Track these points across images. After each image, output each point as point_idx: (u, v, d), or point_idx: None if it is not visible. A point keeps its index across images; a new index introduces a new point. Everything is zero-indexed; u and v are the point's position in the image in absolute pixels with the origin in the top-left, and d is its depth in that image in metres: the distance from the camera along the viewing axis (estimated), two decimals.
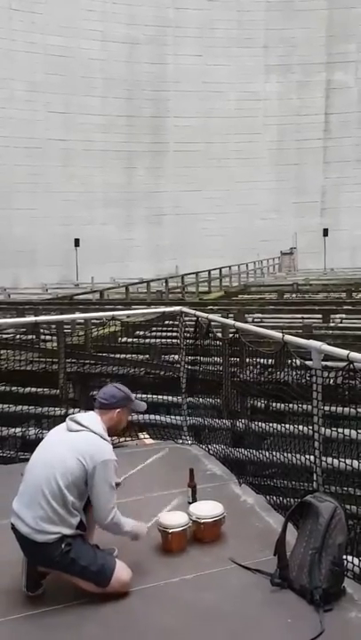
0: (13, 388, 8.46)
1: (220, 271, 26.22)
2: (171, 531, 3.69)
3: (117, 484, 3.51)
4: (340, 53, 35.96)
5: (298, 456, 4.26)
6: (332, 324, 11.82)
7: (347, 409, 3.98)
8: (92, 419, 3.38)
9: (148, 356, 9.19)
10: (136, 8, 34.35)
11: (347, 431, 3.80)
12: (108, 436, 3.37)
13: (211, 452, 5.41)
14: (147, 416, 6.20)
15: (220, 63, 35.49)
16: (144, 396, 7.41)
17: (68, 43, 33.00)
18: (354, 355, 3.38)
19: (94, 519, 3.31)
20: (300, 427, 4.22)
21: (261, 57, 36.35)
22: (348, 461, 3.77)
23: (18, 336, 10.67)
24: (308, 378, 3.85)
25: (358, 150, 36.36)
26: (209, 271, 24.77)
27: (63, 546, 3.13)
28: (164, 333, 9.12)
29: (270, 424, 4.95)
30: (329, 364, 4.19)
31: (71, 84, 33.30)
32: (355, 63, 36.24)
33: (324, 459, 3.79)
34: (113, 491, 3.25)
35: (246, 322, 9.89)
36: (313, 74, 36.17)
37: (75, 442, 3.25)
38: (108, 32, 34.22)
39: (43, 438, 3.53)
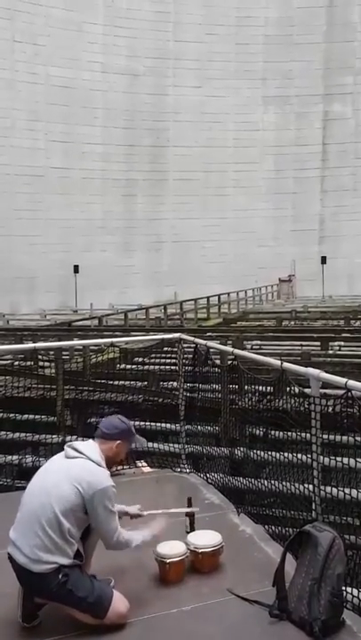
0: (11, 415, 8.43)
1: (219, 298, 26.33)
2: (168, 561, 3.65)
3: (126, 513, 3.52)
4: (337, 85, 36.65)
5: (297, 485, 4.23)
6: (330, 352, 11.83)
7: (345, 437, 3.97)
8: (90, 447, 3.36)
9: (146, 382, 9.18)
10: (136, 40, 35.07)
11: (346, 460, 3.78)
12: (107, 466, 3.35)
13: (209, 480, 5.37)
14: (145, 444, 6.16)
15: (218, 94, 36.12)
16: (142, 423, 7.38)
17: (69, 74, 33.61)
18: (352, 383, 3.38)
19: (97, 543, 3.29)
20: (299, 455, 4.20)
21: (260, 88, 37.01)
22: (347, 490, 3.75)
23: (16, 362, 10.66)
24: (306, 406, 3.84)
25: (355, 180, 36.83)
26: (208, 298, 24.87)
27: (60, 577, 3.09)
28: (162, 360, 9.13)
29: (269, 452, 4.93)
30: (328, 391, 4.19)
31: (72, 113, 33.82)
32: (351, 95, 36.91)
33: (322, 488, 3.77)
34: (113, 515, 3.23)
35: (245, 349, 9.90)
36: (310, 105, 36.79)
37: (71, 469, 3.23)
38: (109, 63, 34.89)
39: (39, 466, 3.51)
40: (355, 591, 3.38)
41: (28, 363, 10.43)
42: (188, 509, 4.08)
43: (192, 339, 6.01)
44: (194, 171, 35.87)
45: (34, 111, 32.94)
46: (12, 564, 3.19)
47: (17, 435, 7.57)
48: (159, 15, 35.42)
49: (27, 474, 6.72)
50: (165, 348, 8.79)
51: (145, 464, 6.16)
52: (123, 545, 3.30)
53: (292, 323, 19.09)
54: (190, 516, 4.13)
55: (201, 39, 35.85)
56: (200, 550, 3.77)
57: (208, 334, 11.79)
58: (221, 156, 36.20)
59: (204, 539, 3.85)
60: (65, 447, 3.40)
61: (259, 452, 5.27)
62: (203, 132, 36.21)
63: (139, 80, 35.64)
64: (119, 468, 5.71)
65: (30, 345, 9.49)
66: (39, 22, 32.60)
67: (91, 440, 3.47)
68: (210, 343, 5.90)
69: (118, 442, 3.43)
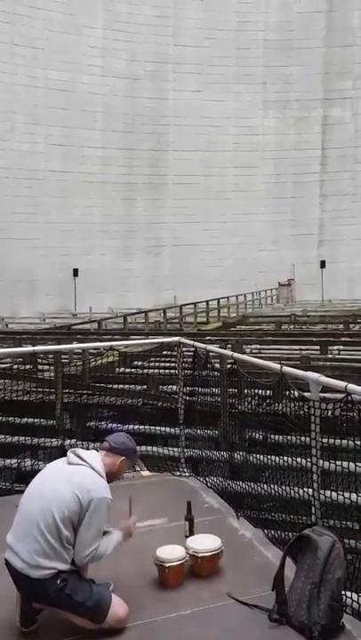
0: (9, 419, 8.41)
1: (219, 302, 26.33)
2: (168, 565, 3.65)
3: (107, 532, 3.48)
4: (336, 90, 36.73)
5: (296, 489, 4.23)
6: (329, 356, 11.83)
7: (345, 441, 3.96)
8: (93, 456, 3.35)
9: (145, 386, 9.17)
10: (136, 44, 35.15)
11: (345, 464, 3.78)
12: (106, 480, 3.33)
13: (208, 484, 5.36)
14: (144, 447, 6.17)
15: (218, 99, 36.19)
16: (141, 427, 7.38)
17: (68, 77, 33.65)
18: (352, 386, 3.38)
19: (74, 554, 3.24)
20: (299, 459, 4.20)
21: (260, 93, 37.08)
22: (346, 494, 3.74)
23: (15, 366, 10.65)
24: (306, 409, 3.84)
25: (355, 184, 36.87)
26: (207, 302, 24.86)
27: (59, 582, 3.08)
28: (161, 364, 9.13)
29: (268, 456, 4.92)
30: (327, 395, 4.19)
31: (72, 117, 33.86)
32: (351, 100, 37.00)
33: (322, 492, 3.77)
34: (100, 532, 3.19)
35: (244, 353, 9.89)
36: (310, 110, 36.87)
37: (73, 475, 3.21)
38: (109, 67, 34.96)
39: (38, 470, 3.50)
40: (354, 595, 3.37)
41: (28, 366, 10.42)
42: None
43: (191, 342, 6.01)
44: (194, 175, 35.92)
45: (33, 114, 32.98)
46: (9, 570, 3.17)
47: (16, 438, 7.54)
48: (159, 19, 35.51)
49: (25, 477, 6.70)
50: (165, 352, 8.80)
51: (144, 468, 6.15)
52: (96, 560, 3.23)
53: (292, 327, 19.07)
54: (189, 519, 4.12)
55: (201, 43, 35.93)
56: (199, 554, 3.77)
57: (207, 338, 11.78)
58: (221, 160, 36.25)
59: (204, 543, 3.84)
60: (68, 453, 3.39)
61: (258, 455, 5.27)
62: (202, 136, 36.27)
63: (138, 84, 35.71)
64: None
65: (29, 348, 9.47)
66: (38, 26, 32.66)
67: (94, 450, 3.46)
68: (209, 347, 5.89)
69: (123, 458, 3.43)
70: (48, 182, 33.25)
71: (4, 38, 31.83)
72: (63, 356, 10.06)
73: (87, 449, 3.61)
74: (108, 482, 3.36)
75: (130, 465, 3.58)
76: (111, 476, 3.41)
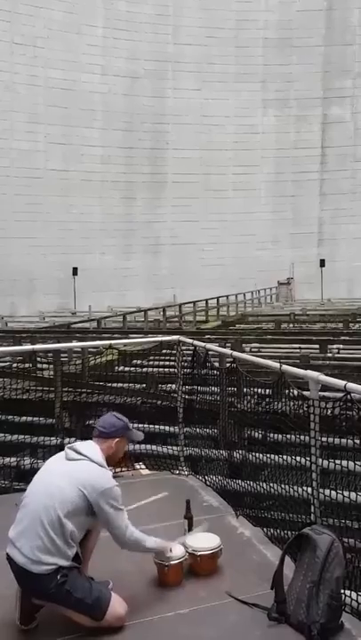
0: (9, 417, 8.41)
1: (218, 300, 26.32)
2: (167, 563, 3.65)
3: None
4: (336, 89, 36.71)
5: (295, 488, 4.23)
6: (329, 355, 11.83)
7: (344, 440, 3.96)
8: (91, 448, 3.36)
9: (145, 385, 9.16)
10: (136, 43, 35.12)
11: (345, 463, 3.78)
12: (108, 465, 3.35)
13: (208, 483, 5.36)
14: (143, 446, 6.16)
15: (218, 97, 36.16)
16: (141, 425, 7.37)
17: (68, 76, 33.62)
18: (351, 385, 3.38)
19: (95, 546, 3.30)
20: (298, 458, 4.20)
21: (259, 91, 37.05)
22: (346, 493, 3.74)
23: (14, 364, 10.64)
24: (305, 408, 3.84)
25: (354, 183, 36.86)
26: (206, 300, 24.84)
27: (59, 577, 3.09)
28: (161, 362, 9.10)
29: (268, 455, 4.92)
30: (327, 394, 4.18)
31: (71, 116, 33.83)
32: (350, 98, 36.97)
33: (321, 490, 3.77)
34: (122, 512, 3.25)
35: (244, 351, 9.89)
36: (310, 108, 36.84)
37: (74, 471, 3.22)
38: (109, 66, 34.92)
39: (38, 468, 3.50)
40: (353, 594, 3.37)
41: (27, 365, 10.40)
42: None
43: (191, 341, 6.01)
44: (193, 173, 35.90)
45: (33, 113, 32.95)
46: (11, 565, 3.18)
47: (15, 437, 7.54)
48: (159, 18, 35.48)
49: (25, 476, 6.71)
50: (164, 351, 8.77)
51: (143, 466, 6.15)
52: (136, 544, 3.33)
53: (291, 325, 19.08)
54: (188, 518, 4.12)
55: (200, 42, 35.90)
56: (198, 553, 3.77)
57: (207, 337, 11.77)
58: (221, 158, 36.23)
59: (203, 541, 3.84)
60: (65, 449, 3.40)
61: (257, 454, 5.27)
62: (202, 135, 36.25)
63: (138, 83, 35.68)
64: (117, 470, 5.70)
65: (29, 347, 9.46)
66: (39, 25, 32.63)
67: (90, 440, 3.46)
68: (209, 345, 5.89)
69: (117, 439, 3.44)
70: (48, 181, 33.23)
71: (5, 37, 31.80)
72: (62, 355, 10.05)
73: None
74: (111, 464, 3.42)
75: (127, 441, 3.58)
76: (112, 459, 3.45)
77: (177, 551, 3.70)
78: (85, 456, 3.28)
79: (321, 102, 36.96)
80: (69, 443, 3.89)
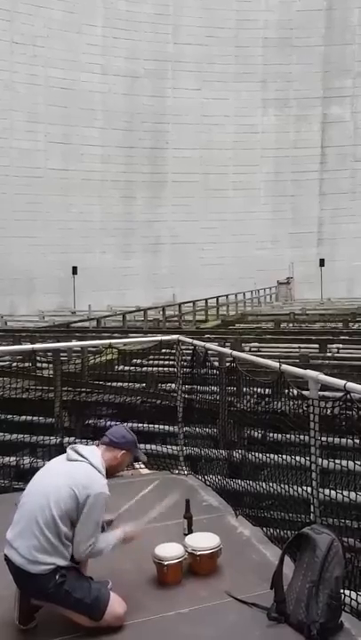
0: (8, 416, 8.41)
1: (218, 300, 26.31)
2: (166, 563, 3.64)
3: (110, 521, 3.48)
4: (336, 88, 36.70)
5: (295, 487, 4.23)
6: (329, 354, 11.82)
7: (344, 440, 3.96)
8: (93, 452, 3.35)
9: (144, 384, 9.16)
10: (136, 43, 35.10)
11: (344, 462, 3.77)
12: (107, 476, 3.33)
13: (207, 482, 5.36)
14: (143, 446, 6.15)
15: (218, 97, 36.15)
16: (140, 425, 7.37)
17: (68, 75, 33.61)
18: (351, 385, 3.38)
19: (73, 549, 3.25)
20: (298, 457, 4.20)
21: (259, 91, 37.04)
22: (345, 493, 3.74)
23: (14, 363, 10.64)
24: (305, 408, 3.84)
25: (354, 182, 36.86)
26: (206, 300, 24.85)
27: (57, 577, 3.08)
28: (160, 362, 9.10)
29: (267, 455, 4.92)
30: (326, 394, 4.18)
31: (71, 115, 33.82)
32: (350, 98, 36.96)
33: (321, 490, 3.76)
34: (97, 527, 3.20)
35: (243, 351, 9.89)
36: (309, 108, 36.83)
37: (71, 471, 3.22)
38: (109, 65, 34.90)
39: (37, 467, 3.50)
40: (353, 594, 3.37)
41: (26, 364, 10.39)
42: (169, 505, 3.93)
43: (190, 340, 6.00)
44: (193, 173, 35.89)
45: (33, 113, 32.94)
46: (9, 566, 3.18)
47: (15, 436, 7.54)
48: (159, 17, 35.46)
49: (24, 475, 6.70)
50: (164, 350, 8.77)
51: (143, 466, 6.14)
52: (94, 555, 3.25)
53: (291, 325, 19.07)
54: (188, 518, 4.11)
55: (200, 42, 35.88)
56: (198, 552, 3.76)
57: (206, 336, 11.77)
58: (221, 158, 36.23)
59: (202, 541, 3.84)
60: (67, 449, 3.39)
61: (257, 454, 5.27)
62: (202, 135, 36.24)
63: (138, 82, 35.66)
64: None
65: (28, 346, 9.44)
66: (39, 24, 32.61)
67: (94, 445, 3.46)
68: (208, 345, 5.89)
69: (123, 452, 3.43)
70: (48, 180, 33.21)
71: (4, 36, 31.78)
72: (62, 354, 10.06)
73: (87, 445, 3.60)
74: (110, 476, 3.36)
75: (131, 457, 3.56)
76: (112, 470, 3.42)
77: (175, 550, 3.70)
78: (86, 458, 3.27)
79: (321, 102, 36.96)
80: (69, 442, 3.89)
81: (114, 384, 8.99)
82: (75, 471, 3.22)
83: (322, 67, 36.67)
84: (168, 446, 6.28)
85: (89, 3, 34.00)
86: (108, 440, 3.44)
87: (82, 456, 3.29)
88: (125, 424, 3.62)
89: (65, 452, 3.43)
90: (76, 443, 5.70)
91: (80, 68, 33.92)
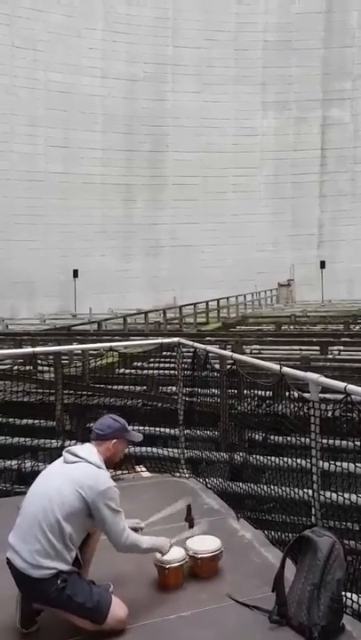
0: (9, 420, 8.41)
1: (218, 302, 26.32)
2: (168, 566, 3.64)
3: (140, 528, 3.55)
4: (335, 91, 36.74)
5: (296, 490, 4.23)
6: (329, 356, 11.83)
7: (345, 442, 3.96)
8: (88, 450, 3.36)
9: (145, 387, 9.17)
10: (136, 46, 35.17)
11: (345, 465, 3.78)
12: (107, 467, 3.35)
13: (208, 485, 5.36)
14: (144, 448, 6.16)
15: (218, 100, 36.20)
16: (141, 427, 7.37)
17: (68, 79, 33.67)
18: (352, 387, 3.38)
19: (95, 549, 3.29)
20: (299, 460, 4.20)
21: (259, 94, 37.08)
22: (346, 495, 3.74)
23: (15, 367, 10.64)
24: (305, 410, 3.84)
25: (354, 184, 36.87)
26: (207, 302, 24.84)
27: (59, 582, 3.08)
28: (161, 365, 9.11)
29: (268, 457, 4.92)
30: (327, 396, 4.18)
31: (71, 119, 33.87)
32: (350, 100, 37.00)
33: (322, 493, 3.76)
34: (119, 514, 3.23)
35: (244, 353, 9.89)
36: (309, 110, 36.87)
37: (72, 474, 3.23)
38: (109, 69, 34.97)
39: (38, 471, 3.51)
40: (354, 596, 3.37)
41: (27, 367, 10.39)
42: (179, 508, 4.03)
43: (191, 343, 6.01)
44: (193, 176, 35.92)
45: (33, 116, 33.00)
46: (11, 570, 3.18)
47: (16, 439, 7.54)
48: (158, 21, 35.53)
49: (25, 479, 6.71)
50: (164, 353, 8.78)
51: (144, 469, 6.15)
52: (133, 547, 3.30)
53: (292, 327, 19.08)
54: (189, 521, 4.11)
55: (200, 45, 35.94)
56: (199, 555, 3.76)
57: (207, 339, 11.78)
58: (220, 161, 36.26)
59: (204, 544, 3.84)
60: (63, 453, 3.40)
61: (258, 456, 5.27)
62: (202, 138, 36.28)
63: (138, 85, 35.72)
64: (118, 472, 5.70)
65: (29, 349, 9.47)
66: (39, 28, 32.67)
67: (87, 443, 3.46)
68: (209, 347, 5.89)
69: (114, 441, 3.43)
70: (48, 184, 33.25)
71: (5, 40, 31.85)
72: (63, 357, 10.05)
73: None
74: (110, 466, 3.42)
75: (125, 442, 3.55)
76: (110, 461, 3.44)
77: (176, 553, 3.70)
78: (82, 458, 3.28)
79: (321, 104, 37.00)
80: (70, 445, 3.89)
81: (115, 387, 8.99)
82: (76, 473, 3.22)
83: (321, 69, 36.73)
84: (169, 449, 6.28)
85: (89, 7, 34.09)
86: (95, 435, 3.45)
87: (78, 456, 3.30)
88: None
89: None
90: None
91: (80, 72, 33.99)
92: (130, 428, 3.57)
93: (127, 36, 34.89)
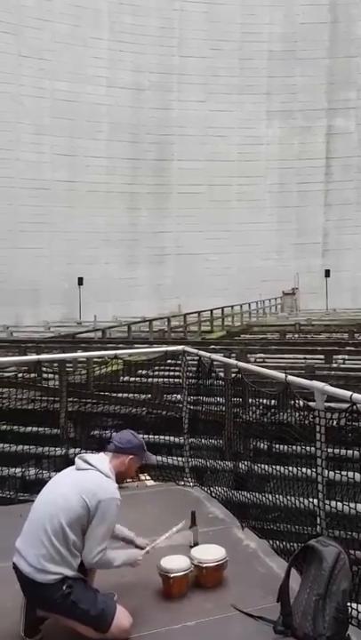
0: (14, 427, 8.41)
1: (223, 311, 26.33)
2: (172, 575, 3.62)
3: (130, 542, 3.52)
4: (340, 100, 36.88)
5: (301, 499, 4.20)
6: (334, 365, 11.81)
7: (350, 451, 3.94)
8: (101, 459, 3.37)
9: (150, 395, 9.16)
10: (141, 55, 35.39)
11: (351, 474, 3.76)
12: (117, 481, 3.34)
13: (213, 494, 5.34)
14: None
15: (223, 109, 36.36)
16: (146, 436, 7.35)
17: (74, 88, 33.89)
18: (357, 396, 3.37)
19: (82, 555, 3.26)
20: (304, 469, 4.18)
21: (264, 103, 37.25)
22: (352, 505, 3.72)
23: (20, 374, 10.66)
24: (311, 419, 3.83)
25: (359, 193, 36.94)
26: (211, 310, 24.86)
27: (64, 588, 3.08)
28: (166, 373, 9.12)
29: (273, 466, 4.90)
30: (332, 405, 4.17)
31: (77, 127, 34.07)
32: (355, 110, 37.12)
33: (327, 502, 3.74)
34: (109, 533, 3.21)
35: (249, 362, 9.88)
36: (314, 119, 37.00)
37: (80, 480, 3.23)
38: (114, 78, 35.18)
39: (42, 479, 3.51)
40: (360, 607, 3.35)
41: (32, 375, 10.41)
42: (179, 528, 3.96)
43: (196, 351, 6.01)
44: (198, 184, 36.03)
45: (39, 125, 33.21)
46: (17, 574, 3.18)
47: (20, 447, 7.54)
48: (164, 31, 35.76)
49: (30, 486, 6.70)
50: (169, 361, 8.79)
51: (148, 477, 6.13)
52: (103, 565, 3.25)
53: (296, 336, 19.07)
54: (193, 530, 4.09)
55: (205, 54, 36.15)
56: (204, 565, 3.74)
57: (212, 347, 11.77)
58: (225, 169, 36.38)
59: (208, 553, 3.82)
60: (76, 459, 3.41)
61: (263, 465, 5.25)
62: (207, 146, 36.42)
63: (143, 94, 35.92)
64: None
65: (34, 357, 9.48)
66: (45, 37, 32.94)
67: (102, 453, 3.46)
68: (214, 356, 5.88)
69: (131, 457, 3.43)
70: (53, 192, 33.41)
71: (12, 50, 32.10)
72: (68, 365, 10.07)
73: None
74: (120, 481, 3.38)
75: (140, 461, 3.56)
76: (122, 476, 3.43)
77: (181, 562, 3.68)
78: (94, 466, 3.29)
79: (325, 114, 37.13)
80: (75, 453, 3.89)
81: (119, 395, 8.99)
82: (84, 479, 3.23)
83: (326, 79, 36.88)
84: (174, 457, 6.26)
85: (95, 16, 34.36)
86: (114, 447, 3.45)
87: (90, 464, 3.30)
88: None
89: (71, 462, 3.44)
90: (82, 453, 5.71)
91: (86, 81, 34.21)
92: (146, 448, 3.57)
93: (133, 46, 35.14)
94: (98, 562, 3.19)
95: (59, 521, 3.10)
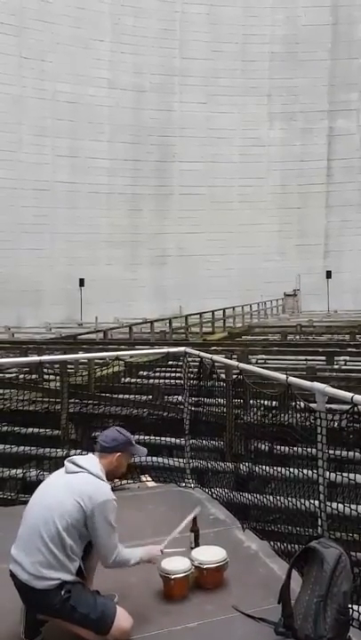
0: (15, 429, 8.40)
1: (224, 312, 26.34)
2: (173, 577, 3.62)
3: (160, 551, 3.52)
4: (342, 102, 36.90)
5: (302, 501, 4.20)
6: (336, 366, 11.79)
7: (352, 452, 3.94)
8: (90, 460, 3.34)
9: (151, 396, 9.15)
10: (143, 57, 35.44)
11: (352, 475, 3.75)
12: (107, 479, 3.33)
13: (214, 495, 5.33)
14: (149, 458, 6.14)
15: (224, 110, 36.39)
16: (146, 437, 7.35)
17: (76, 89, 33.95)
18: (358, 397, 3.36)
19: (99, 560, 3.26)
20: (305, 470, 4.17)
21: (265, 105, 37.28)
22: (353, 506, 3.72)
23: (21, 375, 10.66)
24: (312, 420, 3.82)
25: (360, 195, 36.94)
26: (213, 312, 24.87)
27: (63, 592, 3.06)
28: (167, 374, 9.12)
29: (274, 467, 4.90)
30: (333, 406, 4.16)
31: (79, 129, 34.11)
32: (356, 111, 37.15)
33: (328, 503, 3.74)
34: (114, 530, 3.20)
35: (250, 363, 9.87)
36: (315, 121, 37.02)
37: (73, 483, 3.21)
38: (116, 80, 35.23)
39: (43, 480, 3.49)
40: None
41: (33, 376, 10.41)
42: (189, 521, 3.99)
43: (197, 352, 6.00)
44: (199, 186, 36.07)
45: (41, 126, 33.26)
46: (14, 581, 3.15)
47: (21, 448, 7.53)
48: (165, 32, 35.81)
49: (31, 488, 6.67)
50: (170, 362, 8.79)
51: (149, 478, 6.12)
52: (121, 564, 3.26)
53: (298, 337, 19.05)
54: (194, 531, 4.09)
55: (207, 56, 36.19)
56: (205, 566, 3.73)
57: (213, 348, 11.77)
58: (227, 171, 36.41)
59: (209, 554, 3.81)
60: (65, 462, 3.39)
61: (264, 467, 5.24)
62: (208, 148, 36.45)
63: (145, 96, 35.96)
64: (123, 482, 5.68)
65: (35, 358, 9.48)
66: (47, 39, 33.00)
67: (91, 454, 3.45)
68: (215, 357, 5.87)
69: (118, 454, 3.41)
70: (55, 193, 33.46)
71: (13, 51, 32.16)
72: (69, 366, 10.07)
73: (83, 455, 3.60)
74: (112, 479, 3.37)
75: (129, 456, 3.54)
76: (114, 474, 3.42)
77: (181, 563, 3.67)
78: (84, 468, 3.26)
79: (327, 115, 37.15)
80: (75, 454, 3.88)
81: (120, 396, 8.98)
82: (76, 483, 3.21)
83: (328, 80, 36.90)
84: (174, 459, 6.25)
85: (96, 18, 34.41)
86: (100, 446, 3.43)
87: (80, 467, 3.28)
88: (132, 436, 3.59)
89: None
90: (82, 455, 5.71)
91: (87, 83, 34.26)
92: (134, 441, 3.55)
93: (134, 48, 35.19)
94: (116, 561, 3.21)
95: (55, 526, 3.07)
